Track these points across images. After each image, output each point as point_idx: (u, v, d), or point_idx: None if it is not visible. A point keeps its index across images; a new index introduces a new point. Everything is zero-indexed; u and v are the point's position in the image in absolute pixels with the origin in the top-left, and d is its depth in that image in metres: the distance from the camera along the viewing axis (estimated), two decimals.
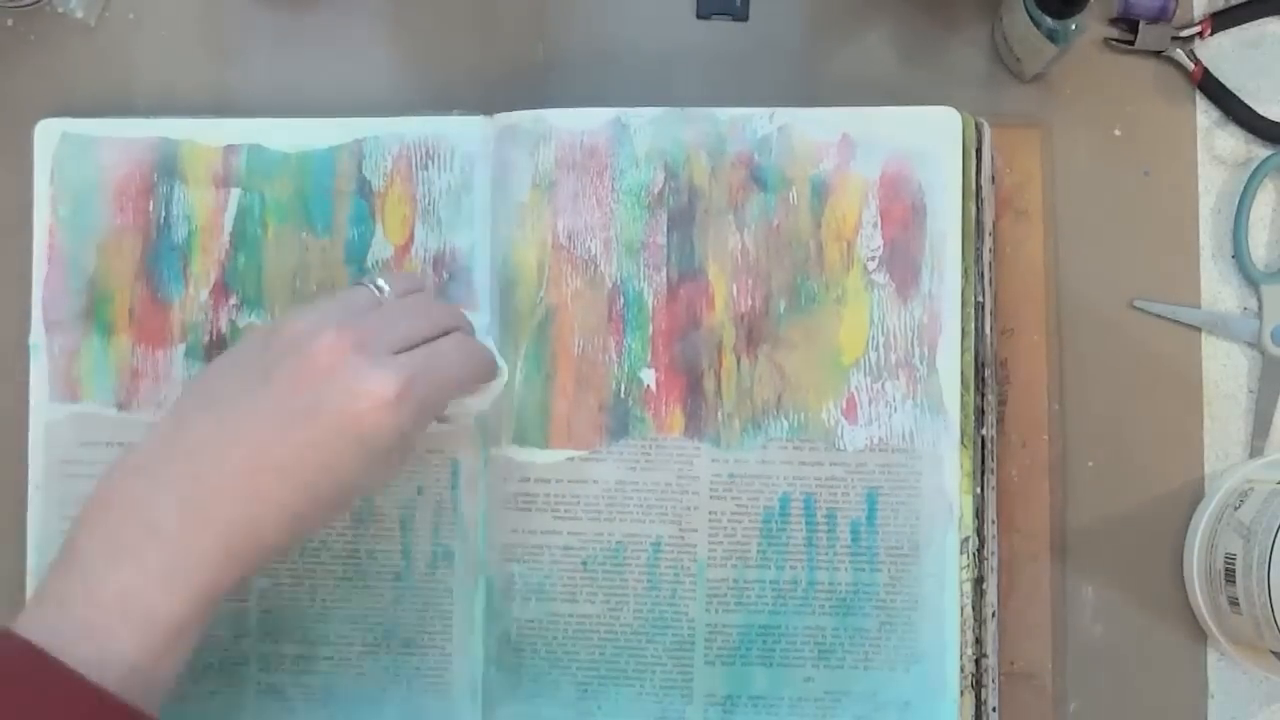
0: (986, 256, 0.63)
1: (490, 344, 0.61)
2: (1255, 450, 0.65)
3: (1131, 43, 0.66)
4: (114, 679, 0.46)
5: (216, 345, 0.64)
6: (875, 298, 0.61)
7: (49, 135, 0.66)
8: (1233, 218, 0.66)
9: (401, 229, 0.64)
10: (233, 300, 0.65)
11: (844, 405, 0.61)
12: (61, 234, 0.65)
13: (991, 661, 0.62)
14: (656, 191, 0.63)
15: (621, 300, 0.62)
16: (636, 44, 0.68)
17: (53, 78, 0.69)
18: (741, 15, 0.68)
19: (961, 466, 0.61)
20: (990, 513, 0.62)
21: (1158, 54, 0.66)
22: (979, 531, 0.61)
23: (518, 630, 0.62)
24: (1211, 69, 0.66)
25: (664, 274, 0.62)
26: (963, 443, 0.61)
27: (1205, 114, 0.67)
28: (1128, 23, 0.66)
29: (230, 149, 0.65)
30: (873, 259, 0.62)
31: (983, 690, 0.61)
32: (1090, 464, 0.65)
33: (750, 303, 0.62)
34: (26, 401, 0.65)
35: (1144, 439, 0.65)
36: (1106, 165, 0.66)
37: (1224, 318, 0.66)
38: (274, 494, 0.50)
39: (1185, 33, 0.66)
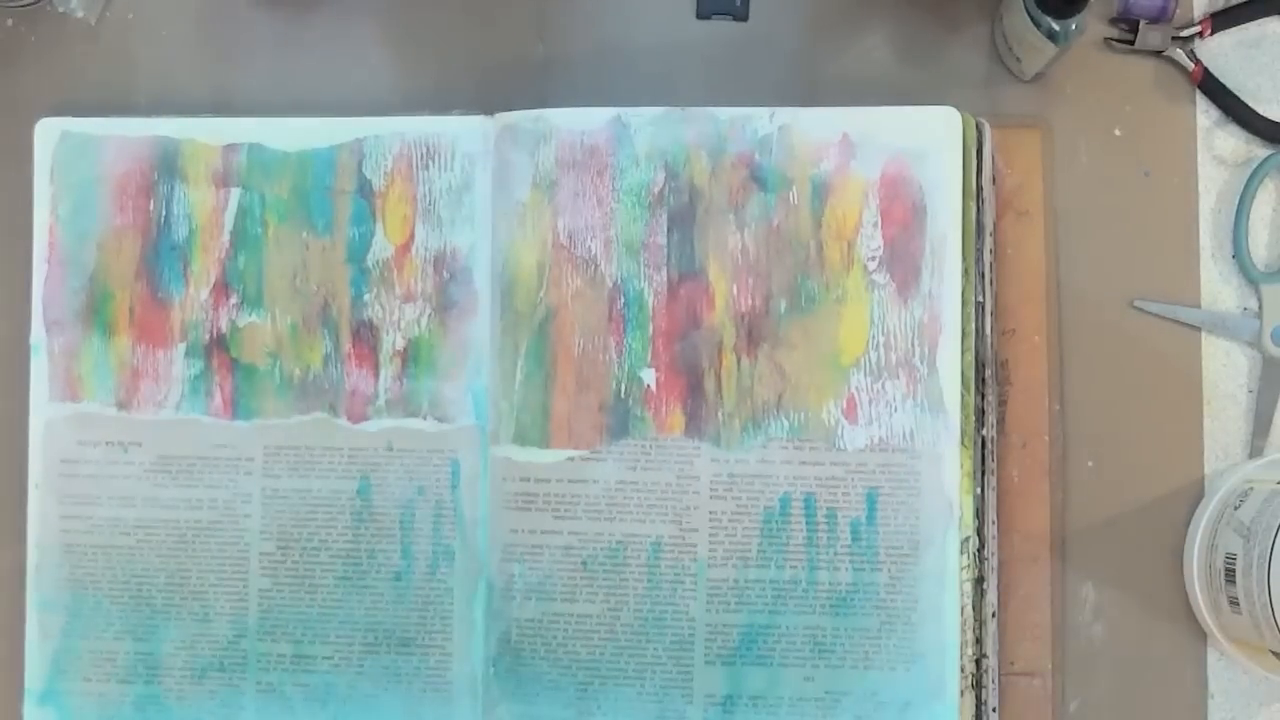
0: (987, 257, 0.63)
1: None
2: (1255, 450, 0.65)
3: (1131, 43, 0.66)
4: None
5: (216, 344, 0.64)
6: (875, 298, 0.61)
7: (49, 134, 0.66)
8: (1233, 218, 0.66)
9: (402, 228, 0.64)
10: (233, 299, 0.65)
11: (844, 405, 0.61)
12: (61, 233, 0.65)
13: (991, 661, 0.62)
14: (657, 191, 0.63)
15: (622, 300, 0.62)
16: (636, 44, 0.68)
17: (53, 78, 0.69)
18: (741, 15, 0.68)
19: (962, 466, 0.61)
20: (990, 513, 0.62)
21: (1158, 54, 0.66)
22: (979, 531, 0.61)
23: (518, 630, 0.62)
24: (1211, 69, 0.66)
25: (664, 274, 0.62)
26: (963, 443, 0.61)
27: (1205, 114, 0.67)
28: (1128, 23, 0.66)
29: (230, 148, 0.65)
30: (873, 259, 0.62)
31: (983, 690, 0.61)
32: (1090, 464, 0.65)
33: (750, 302, 0.62)
34: (26, 401, 0.65)
35: (1144, 439, 0.65)
36: (1106, 165, 0.66)
37: (1224, 318, 0.66)
38: None
39: (1185, 33, 0.66)
